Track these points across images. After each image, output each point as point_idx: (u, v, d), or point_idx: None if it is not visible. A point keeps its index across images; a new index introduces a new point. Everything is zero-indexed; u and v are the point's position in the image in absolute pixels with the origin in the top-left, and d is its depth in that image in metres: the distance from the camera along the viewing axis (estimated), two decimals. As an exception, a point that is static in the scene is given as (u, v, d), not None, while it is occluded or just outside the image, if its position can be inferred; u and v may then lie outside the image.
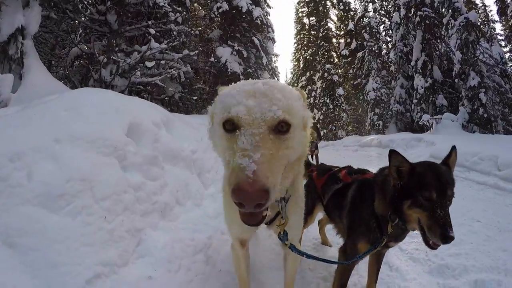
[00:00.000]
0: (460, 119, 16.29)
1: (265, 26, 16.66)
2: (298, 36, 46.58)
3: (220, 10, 15.77)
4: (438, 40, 21.29)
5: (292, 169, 1.96)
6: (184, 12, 13.10)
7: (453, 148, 2.67)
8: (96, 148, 3.67)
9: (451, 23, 17.69)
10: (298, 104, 1.77)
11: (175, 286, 3.18)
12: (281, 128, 1.62)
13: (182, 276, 3.34)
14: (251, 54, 16.26)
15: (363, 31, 31.39)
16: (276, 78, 19.56)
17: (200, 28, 17.09)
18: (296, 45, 47.04)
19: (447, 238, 2.18)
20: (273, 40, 18.45)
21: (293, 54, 47.67)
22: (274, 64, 50.05)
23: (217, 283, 3.30)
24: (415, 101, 21.00)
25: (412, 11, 21.84)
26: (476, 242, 4.93)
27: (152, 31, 10.70)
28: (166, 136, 5.21)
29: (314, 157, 12.65)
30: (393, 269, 4.17)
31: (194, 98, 13.24)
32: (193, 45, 14.97)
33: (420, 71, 20.57)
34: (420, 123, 17.07)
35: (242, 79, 11.99)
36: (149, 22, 10.75)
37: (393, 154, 2.51)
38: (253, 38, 15.95)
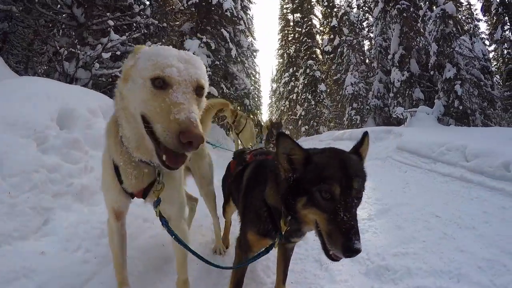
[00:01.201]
0: (435, 112, 15.51)
1: (236, 19, 15.68)
2: (282, 32, 45.80)
3: (190, 2, 15.01)
4: (416, 34, 20.52)
5: None
6: (148, 3, 12.55)
7: (365, 133, 2.23)
8: (14, 130, 3.92)
9: (428, 15, 16.84)
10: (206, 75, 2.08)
11: (66, 264, 3.12)
12: (199, 91, 1.96)
13: (79, 256, 3.30)
14: (221, 47, 15.31)
15: (342, 25, 30.49)
16: (246, 72, 18.69)
17: (178, 22, 16.47)
18: (280, 41, 46.25)
19: (350, 250, 1.71)
20: (245, 33, 17.48)
21: (277, 51, 46.64)
22: (254, 59, 50.06)
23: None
24: (391, 95, 20.21)
25: (390, 5, 21.01)
26: (430, 240, 4.24)
27: (111, 22, 10.37)
28: (102, 123, 5.14)
29: None
30: (324, 269, 3.68)
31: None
32: (166, 38, 14.25)
33: (397, 64, 19.78)
34: (394, 116, 16.20)
35: (209, 71, 10.53)
36: (108, 14, 10.65)
37: (281, 138, 2.00)
38: (222, 30, 15.03)
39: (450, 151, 8.30)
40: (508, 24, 22.11)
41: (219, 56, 15.00)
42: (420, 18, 17.72)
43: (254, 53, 51.17)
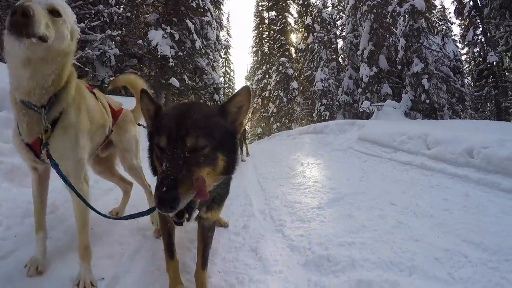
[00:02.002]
0: (403, 106, 15.15)
1: (202, 10, 14.89)
2: (257, 30, 44.78)
3: (159, -7, 14.25)
4: (386, 30, 20.19)
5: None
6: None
7: (243, 88, 1.87)
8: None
9: (397, 10, 16.44)
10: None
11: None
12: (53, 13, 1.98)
13: (-2, 233, 3.17)
14: (185, 38, 14.51)
15: (315, 23, 29.93)
16: (212, 65, 17.98)
17: (148, 15, 15.68)
18: (255, 39, 45.19)
19: (160, 202, 1.46)
20: (211, 25, 16.68)
21: (251, 48, 45.70)
22: (229, 56, 48.91)
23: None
24: (360, 90, 19.83)
25: (362, 2, 20.63)
26: (382, 229, 3.73)
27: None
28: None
29: None
30: (258, 258, 3.16)
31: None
32: (131, 28, 13.46)
33: (366, 60, 19.41)
34: (360, 110, 15.78)
35: (172, 62, 11.32)
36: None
37: (142, 94, 1.98)
38: (187, 21, 14.25)
39: (412, 140, 7.85)
40: (480, 26, 21.94)
41: (183, 47, 14.20)
42: (389, 13, 17.21)
43: (228, 50, 51.56)
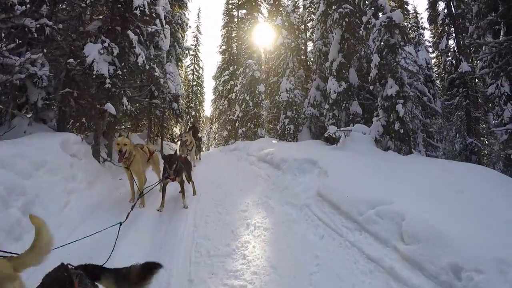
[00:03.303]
0: (373, 132, 12.98)
1: (149, 18, 12.03)
2: (226, 28, 42.82)
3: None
4: (358, 41, 18.00)
5: None
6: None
7: None
8: None
9: (372, 22, 14.19)
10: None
11: None
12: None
13: None
14: (128, 51, 11.73)
15: (282, 27, 27.30)
16: (164, 74, 15.35)
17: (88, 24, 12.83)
18: (223, 38, 43.09)
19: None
20: (159, 34, 13.90)
21: (219, 47, 43.35)
22: (196, 52, 46.30)
23: None
24: (327, 106, 17.52)
25: (333, 8, 18.32)
26: None
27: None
28: None
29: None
30: None
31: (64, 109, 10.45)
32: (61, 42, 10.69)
33: (335, 73, 17.15)
34: (325, 135, 13.46)
35: (109, 83, 10.39)
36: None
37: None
38: (128, 32, 11.42)
39: (382, 219, 5.54)
40: (453, 34, 20.26)
41: (123, 64, 11.45)
42: (363, 25, 14.94)
43: (197, 47, 49.09)
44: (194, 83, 48.04)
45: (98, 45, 10.34)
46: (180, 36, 21.68)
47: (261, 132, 30.60)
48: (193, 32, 48.27)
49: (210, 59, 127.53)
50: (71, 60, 10.10)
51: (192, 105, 44.92)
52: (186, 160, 9.52)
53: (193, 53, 47.79)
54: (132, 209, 6.19)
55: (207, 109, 57.59)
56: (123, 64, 11.21)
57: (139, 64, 11.34)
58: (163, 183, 8.20)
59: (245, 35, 37.05)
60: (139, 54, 11.34)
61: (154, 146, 10.85)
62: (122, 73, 11.01)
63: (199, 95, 48.51)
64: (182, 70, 33.14)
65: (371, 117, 15.75)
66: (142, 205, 7.99)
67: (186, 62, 44.99)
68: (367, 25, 14.57)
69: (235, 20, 42.11)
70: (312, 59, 23.56)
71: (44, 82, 9.26)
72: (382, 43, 13.49)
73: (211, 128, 53.21)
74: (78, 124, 11.28)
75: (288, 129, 22.01)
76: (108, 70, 10.42)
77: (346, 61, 17.33)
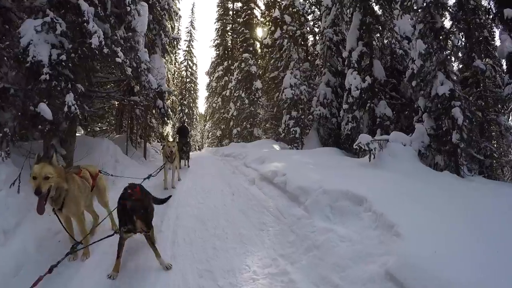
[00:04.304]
0: (415, 143, 9.34)
1: None
2: (220, 21, 39.26)
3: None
4: (383, 26, 14.20)
5: None
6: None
7: None
8: None
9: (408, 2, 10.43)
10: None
11: None
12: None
13: None
14: (80, 28, 7.68)
15: (285, 12, 23.29)
16: (147, 66, 11.25)
17: None
18: (217, 31, 39.56)
19: None
20: (138, 12, 10.06)
21: (213, 41, 39.66)
22: (189, 48, 43.84)
23: None
24: (345, 106, 13.57)
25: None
26: None
27: None
28: None
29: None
30: None
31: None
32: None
33: (355, 65, 13.35)
34: (355, 147, 9.47)
35: (47, 73, 6.64)
36: None
37: None
38: (80, 1, 7.36)
39: None
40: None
41: (77, 45, 7.42)
42: (399, 2, 11.09)
43: (191, 42, 45.91)
44: (188, 80, 45.76)
45: (38, 21, 6.58)
46: (168, 25, 17.84)
47: (257, 132, 27.49)
48: (187, 27, 45.83)
49: (204, 55, 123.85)
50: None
51: (185, 102, 42.95)
52: (144, 196, 5.08)
53: (187, 49, 45.87)
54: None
55: (201, 106, 54.90)
56: (75, 47, 7.30)
57: (93, 46, 7.36)
58: (122, 236, 4.85)
59: (241, 27, 33.21)
60: (95, 32, 7.38)
61: (91, 165, 6.49)
62: (70, 59, 7.07)
63: (192, 92, 46.28)
64: (172, 64, 29.61)
65: (401, 125, 12.18)
66: (85, 257, 5.11)
67: (179, 57, 42.20)
68: (405, 2, 10.68)
69: (230, 13, 38.86)
70: (319, 50, 19.50)
71: None
72: (426, 26, 9.78)
73: (204, 126, 50.59)
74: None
75: (293, 132, 18.00)
76: (50, 55, 6.59)
77: (368, 50, 13.56)
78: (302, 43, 22.50)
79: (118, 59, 8.32)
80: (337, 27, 17.82)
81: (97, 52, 7.44)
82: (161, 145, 17.96)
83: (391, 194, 5.69)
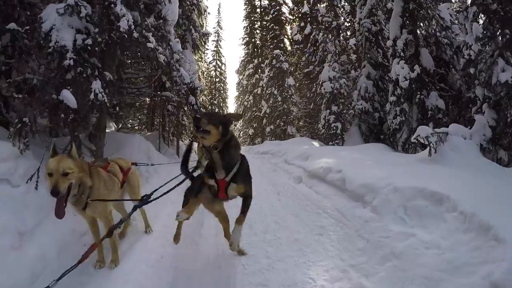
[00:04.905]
0: (476, 136, 8.53)
1: None
2: (248, 19, 38.66)
3: None
4: (429, 12, 13.30)
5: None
6: None
7: None
8: None
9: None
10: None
11: None
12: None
13: None
14: (107, 11, 7.24)
15: (319, 3, 22.59)
16: (172, 57, 10.74)
17: None
18: (245, 29, 39.07)
19: None
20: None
21: (242, 39, 39.40)
22: (217, 48, 43.86)
23: None
24: (392, 98, 12.74)
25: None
26: None
27: None
28: None
29: None
30: None
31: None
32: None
33: (401, 54, 12.53)
34: (413, 140, 8.65)
35: (71, 59, 6.16)
36: None
37: None
38: None
39: None
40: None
41: (105, 32, 6.98)
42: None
43: (219, 42, 45.86)
44: (217, 80, 45.76)
45: (62, 4, 6.16)
46: (197, 20, 17.52)
47: (291, 130, 26.90)
48: (214, 28, 45.78)
49: (232, 54, 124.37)
50: (12, 25, 6.01)
51: (215, 102, 42.82)
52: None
53: (215, 49, 45.81)
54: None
55: (231, 106, 54.73)
56: (102, 32, 6.88)
57: (122, 30, 6.89)
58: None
59: (270, 23, 32.80)
60: (123, 16, 6.93)
61: (123, 158, 5.82)
62: (97, 44, 6.63)
63: (222, 91, 46.20)
64: (202, 62, 29.36)
65: (456, 118, 11.39)
66: (114, 264, 4.32)
67: (208, 57, 42.10)
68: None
69: (258, 10, 38.14)
70: (358, 41, 18.68)
71: None
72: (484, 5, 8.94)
73: (235, 125, 50.43)
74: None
75: (334, 128, 17.28)
76: (75, 40, 6.19)
77: (414, 39, 12.72)
78: (339, 34, 21.72)
79: (149, 44, 7.84)
80: (375, 17, 17.02)
81: (126, 36, 7.00)
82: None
83: (475, 192, 4.95)
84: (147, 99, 14.96)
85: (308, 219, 6.04)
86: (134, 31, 7.04)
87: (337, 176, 7.16)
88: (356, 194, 6.00)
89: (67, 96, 6.00)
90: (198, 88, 13.50)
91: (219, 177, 3.77)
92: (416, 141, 8.30)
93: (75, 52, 6.15)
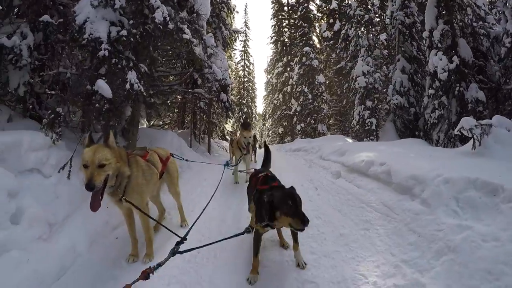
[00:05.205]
0: (521, 128, 8.12)
1: None
2: (276, 17, 38.35)
3: None
4: (462, 0, 12.85)
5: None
6: None
7: None
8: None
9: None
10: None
11: None
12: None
13: None
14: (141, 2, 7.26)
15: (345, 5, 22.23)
16: (205, 51, 10.68)
17: None
18: (273, 28, 38.83)
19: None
20: None
21: (270, 38, 39.20)
22: (245, 48, 43.87)
23: None
24: (430, 91, 12.34)
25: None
26: None
27: None
28: None
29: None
30: None
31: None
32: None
33: (439, 45, 12.14)
34: (456, 133, 8.30)
35: (106, 49, 6.13)
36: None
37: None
38: None
39: None
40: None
41: (138, 25, 7.00)
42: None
43: (247, 42, 45.88)
44: (245, 79, 45.62)
45: None
46: (227, 17, 17.58)
47: (322, 128, 26.50)
48: (241, 28, 45.69)
49: (259, 53, 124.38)
50: (45, 17, 6.07)
51: (244, 101, 42.79)
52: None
53: (243, 49, 45.74)
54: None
55: (259, 105, 55.01)
56: (136, 25, 6.90)
57: (157, 21, 6.89)
58: (258, 232, 3.88)
59: (299, 21, 32.25)
60: (158, 7, 6.94)
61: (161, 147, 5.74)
62: (132, 35, 6.65)
63: (250, 91, 46.23)
64: (232, 60, 29.45)
65: (494, 110, 10.99)
66: (148, 259, 4.18)
67: (236, 57, 42.25)
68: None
69: (285, 8, 37.86)
70: (391, 34, 18.19)
71: (24, 60, 5.81)
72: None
73: (263, 124, 50.50)
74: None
75: (369, 123, 16.94)
76: (109, 32, 6.24)
77: (450, 29, 12.32)
78: (371, 28, 21.31)
79: (185, 36, 7.89)
80: (408, 9, 16.58)
81: (161, 28, 6.99)
82: (230, 138, 17.68)
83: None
84: (178, 97, 15.04)
85: (351, 213, 5.91)
86: (169, 22, 7.04)
87: (381, 169, 6.91)
88: (403, 187, 5.76)
89: (102, 86, 6.00)
90: (230, 86, 13.50)
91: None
92: (460, 134, 7.99)
93: (109, 43, 6.19)
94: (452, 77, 11.44)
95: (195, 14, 9.00)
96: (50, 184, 4.74)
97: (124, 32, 6.35)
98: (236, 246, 4.52)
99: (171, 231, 3.53)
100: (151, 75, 8.30)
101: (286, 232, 4.44)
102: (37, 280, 3.47)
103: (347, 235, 4.95)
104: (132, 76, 6.44)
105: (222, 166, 6.81)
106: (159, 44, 8.47)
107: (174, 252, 2.89)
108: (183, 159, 6.53)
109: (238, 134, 10.99)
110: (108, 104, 6.18)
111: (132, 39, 6.58)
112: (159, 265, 2.60)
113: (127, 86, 6.31)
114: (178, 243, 3.05)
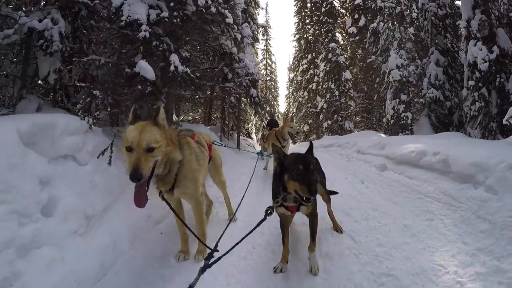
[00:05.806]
0: None
1: None
2: (299, 15, 38.16)
3: None
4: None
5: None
6: None
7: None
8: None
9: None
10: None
11: None
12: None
13: None
14: None
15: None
16: (243, 44, 10.73)
17: None
18: (296, 25, 38.65)
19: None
20: None
21: (293, 36, 39.15)
22: (267, 46, 43.77)
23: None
24: (470, 83, 12.20)
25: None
26: None
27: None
28: None
29: None
30: None
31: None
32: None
33: (477, 36, 12.00)
34: (505, 122, 8.19)
35: (147, 31, 6.14)
36: None
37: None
38: None
39: None
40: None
41: (177, 10, 7.06)
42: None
43: (268, 41, 45.83)
44: (268, 78, 45.60)
45: None
46: (255, 12, 17.65)
47: (349, 125, 26.25)
48: (263, 27, 45.77)
49: (280, 52, 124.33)
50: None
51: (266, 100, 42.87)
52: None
53: (264, 47, 45.64)
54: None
55: (281, 104, 54.84)
56: (176, 8, 7.00)
57: (199, 3, 6.99)
58: (279, 214, 3.62)
59: (323, 17, 31.84)
60: None
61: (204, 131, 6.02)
62: (173, 17, 6.74)
63: (273, 90, 46.14)
64: (257, 57, 29.48)
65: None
66: (202, 256, 3.72)
67: (258, 56, 42.38)
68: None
69: (308, 5, 37.36)
70: (424, 26, 17.88)
71: (55, 45, 5.82)
72: None
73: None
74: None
75: (404, 118, 16.79)
76: (148, 14, 6.33)
77: (488, 19, 12.16)
78: (403, 20, 21.01)
79: (228, 20, 8.03)
80: (440, 0, 16.38)
81: (204, 11, 7.12)
82: (263, 131, 17.82)
83: None
84: (208, 92, 15.14)
85: (410, 204, 5.83)
86: (211, 5, 7.16)
87: (435, 158, 6.75)
88: (464, 175, 5.60)
89: (145, 67, 5.95)
90: (259, 81, 13.56)
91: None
92: (509, 123, 7.92)
93: (149, 25, 6.27)
94: (493, 68, 11.28)
95: (232, 2, 9.14)
96: (86, 172, 4.35)
97: (165, 14, 6.47)
98: (303, 244, 4.24)
99: (204, 243, 3.35)
100: (192, 60, 8.39)
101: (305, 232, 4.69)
102: (74, 283, 3.09)
103: (411, 226, 4.88)
104: (175, 58, 6.51)
105: (256, 155, 7.40)
106: (196, 30, 8.52)
107: (203, 269, 2.40)
108: (223, 145, 6.52)
109: (264, 131, 11.14)
110: (151, 86, 6.17)
111: (174, 20, 6.69)
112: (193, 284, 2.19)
113: (171, 68, 6.37)
114: (209, 256, 2.56)
